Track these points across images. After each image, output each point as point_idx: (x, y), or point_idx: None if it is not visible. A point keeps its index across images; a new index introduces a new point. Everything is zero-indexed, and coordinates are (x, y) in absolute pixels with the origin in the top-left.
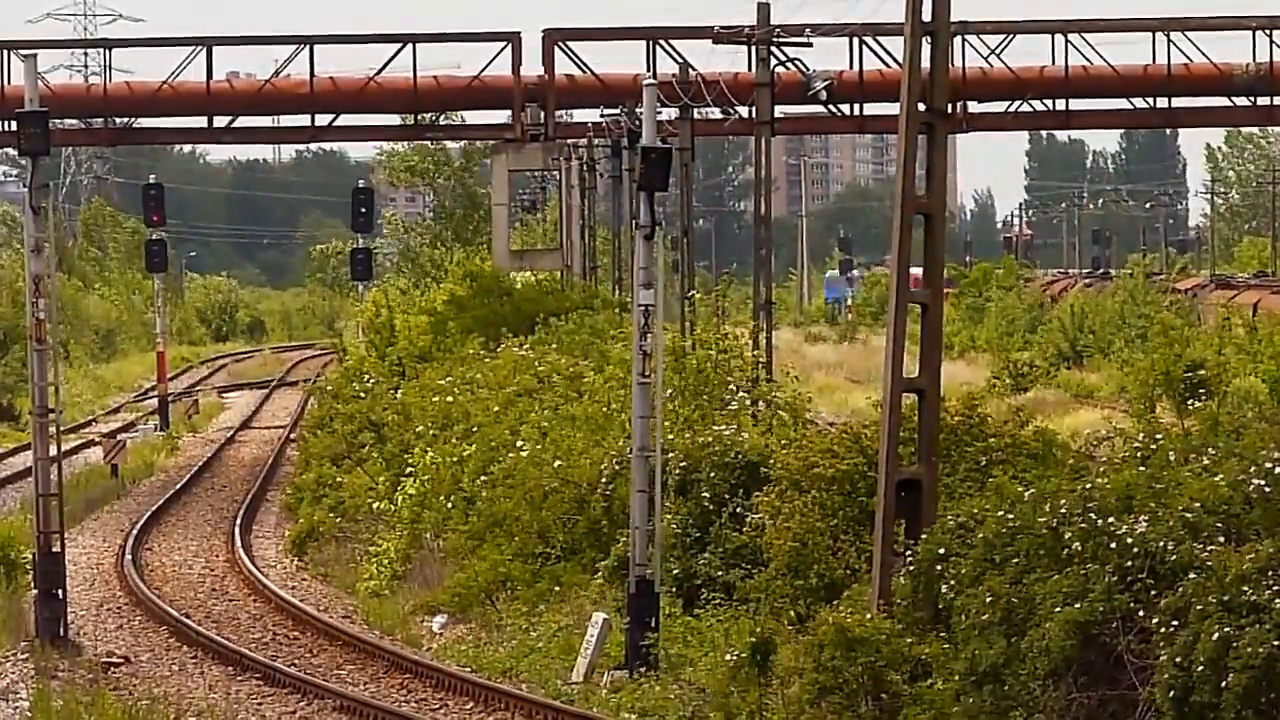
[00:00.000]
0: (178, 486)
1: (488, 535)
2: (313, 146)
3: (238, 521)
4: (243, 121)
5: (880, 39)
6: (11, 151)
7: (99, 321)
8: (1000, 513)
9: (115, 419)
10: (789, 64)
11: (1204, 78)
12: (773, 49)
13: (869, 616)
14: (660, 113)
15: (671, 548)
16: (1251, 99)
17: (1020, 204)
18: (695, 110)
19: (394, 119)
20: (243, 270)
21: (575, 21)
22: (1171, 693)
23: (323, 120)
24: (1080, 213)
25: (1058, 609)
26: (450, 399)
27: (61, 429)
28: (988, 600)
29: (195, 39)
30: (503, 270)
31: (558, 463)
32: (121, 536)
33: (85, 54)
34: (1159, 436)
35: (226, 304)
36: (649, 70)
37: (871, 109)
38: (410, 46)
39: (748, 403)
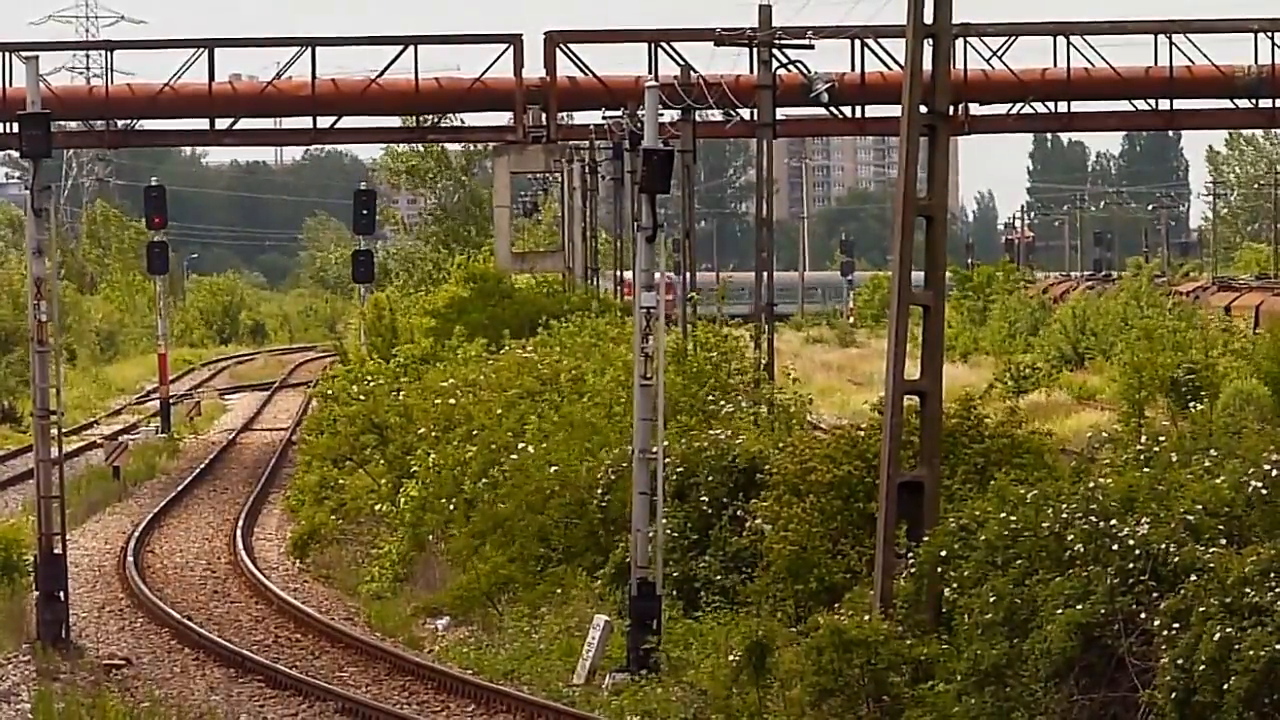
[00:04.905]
0: (179, 488)
1: (489, 537)
2: (315, 148)
3: (239, 523)
4: (245, 123)
5: (882, 41)
6: (13, 154)
7: (101, 323)
8: (1002, 515)
9: (117, 421)
10: (790, 66)
11: (1205, 80)
12: (774, 51)
13: (868, 618)
14: (662, 115)
15: (670, 551)
16: (1253, 101)
17: (1022, 206)
18: (697, 112)
19: (396, 121)
20: (244, 273)
21: (577, 24)
22: (1173, 695)
23: (324, 122)
24: (1082, 215)
25: (1060, 610)
26: (452, 401)
27: (63, 431)
28: (990, 601)
29: (197, 41)
30: (505, 272)
31: (553, 469)
32: (123, 538)
33: (87, 56)
34: (1161, 439)
35: (230, 305)
36: (651, 72)
37: (873, 111)
38: (412, 48)
39: (745, 405)
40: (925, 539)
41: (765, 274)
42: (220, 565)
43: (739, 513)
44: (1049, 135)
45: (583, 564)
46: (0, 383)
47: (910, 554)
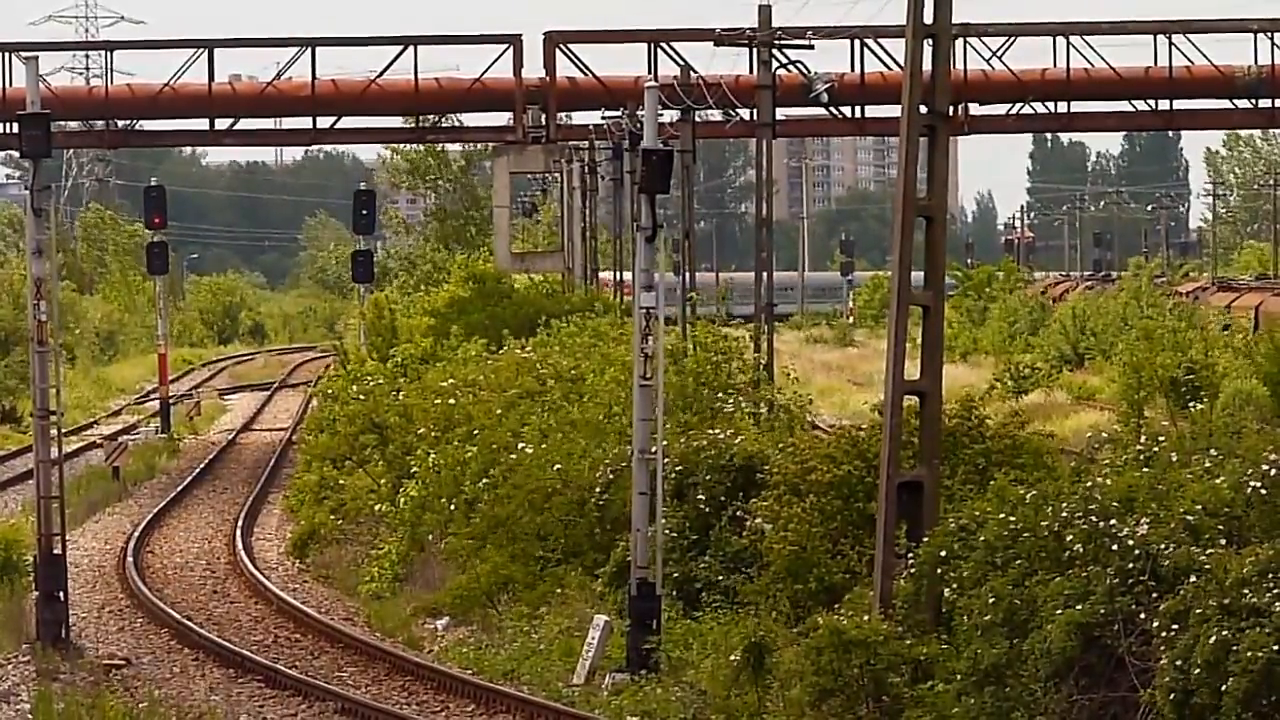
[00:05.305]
0: (179, 488)
1: (489, 538)
2: (315, 149)
3: (239, 523)
4: (244, 124)
5: (882, 41)
6: (14, 154)
7: (101, 324)
8: (1002, 515)
9: (117, 421)
10: (790, 66)
11: (1205, 80)
12: (774, 51)
13: (867, 619)
14: (661, 115)
15: (670, 551)
16: (1253, 101)
17: (1022, 206)
18: (696, 112)
19: (396, 121)
20: (244, 273)
21: (576, 24)
22: (1172, 695)
23: (324, 122)
24: (1081, 215)
25: (1059, 611)
26: (452, 401)
27: (63, 431)
28: (990, 602)
29: (197, 41)
30: (504, 272)
31: (556, 466)
32: (123, 538)
33: (87, 56)
34: (1161, 439)
35: (231, 305)
36: (650, 72)
37: (873, 111)
38: (411, 49)
39: (744, 405)
40: (925, 539)
41: (765, 274)
42: (220, 565)
43: (738, 512)
44: (1049, 135)
45: (583, 564)
46: (0, 383)
47: (910, 554)
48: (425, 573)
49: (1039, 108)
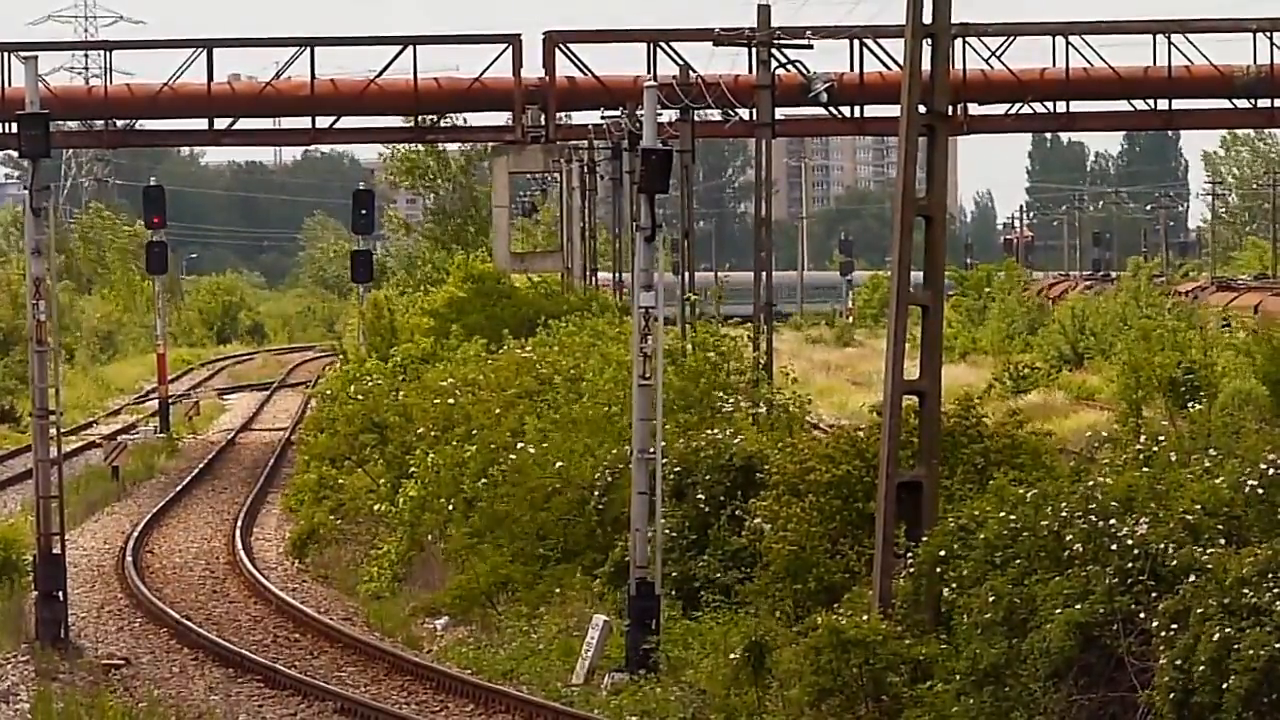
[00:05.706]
0: (178, 488)
1: (488, 537)
2: (314, 149)
3: (238, 523)
4: (244, 123)
5: (881, 41)
6: (12, 154)
7: (100, 324)
8: (1002, 514)
9: (116, 421)
10: (789, 66)
11: (1204, 80)
12: (773, 51)
13: (866, 618)
14: (661, 115)
15: (669, 550)
16: (1252, 101)
17: (1021, 206)
18: (696, 112)
19: (395, 121)
20: (243, 273)
21: (576, 24)
22: (1172, 695)
23: (323, 122)
24: (1081, 215)
25: (1059, 610)
26: (452, 401)
27: (62, 431)
28: (989, 601)
29: (196, 41)
30: (503, 272)
31: (558, 464)
32: (122, 538)
33: (86, 56)
34: (1160, 439)
35: (230, 305)
36: (649, 72)
37: (872, 111)
38: (411, 49)
39: (744, 405)
40: (924, 539)
41: (764, 274)
42: (219, 565)
43: (737, 512)
44: (1048, 135)
45: (582, 564)
46: None
47: (909, 554)
48: (425, 572)
49: (1038, 107)
